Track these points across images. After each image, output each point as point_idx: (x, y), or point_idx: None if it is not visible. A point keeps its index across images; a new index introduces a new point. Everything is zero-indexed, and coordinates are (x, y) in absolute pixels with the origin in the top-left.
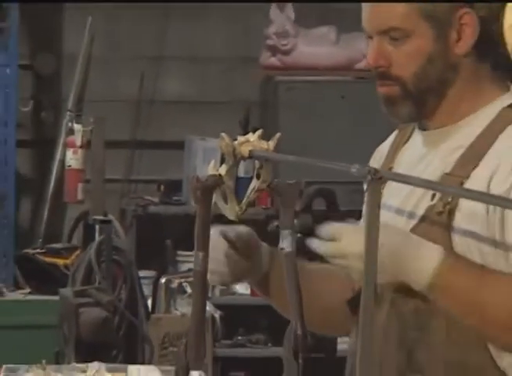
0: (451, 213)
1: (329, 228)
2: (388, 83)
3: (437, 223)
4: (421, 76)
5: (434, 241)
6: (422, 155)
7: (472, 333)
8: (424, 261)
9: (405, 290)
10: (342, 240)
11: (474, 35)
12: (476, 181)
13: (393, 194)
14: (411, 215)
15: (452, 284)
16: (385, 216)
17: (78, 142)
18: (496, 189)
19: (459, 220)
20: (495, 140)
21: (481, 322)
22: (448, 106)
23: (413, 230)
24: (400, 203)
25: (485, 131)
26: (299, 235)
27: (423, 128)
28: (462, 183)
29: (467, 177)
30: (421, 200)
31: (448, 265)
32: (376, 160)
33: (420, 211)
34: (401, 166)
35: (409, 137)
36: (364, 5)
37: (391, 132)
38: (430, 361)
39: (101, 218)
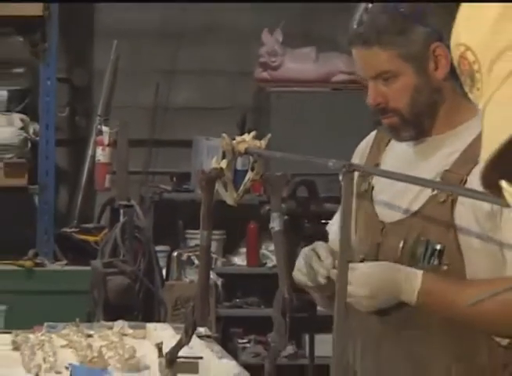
0: (453, 202)
1: None
2: (388, 115)
3: (439, 211)
4: (413, 104)
5: (437, 226)
6: (413, 160)
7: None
8: (410, 284)
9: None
10: (352, 284)
11: (448, 62)
12: (475, 179)
13: (384, 190)
14: (407, 208)
15: (432, 299)
16: (377, 209)
17: (106, 141)
18: None
19: (461, 209)
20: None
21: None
22: (440, 121)
23: (414, 216)
24: (391, 197)
25: (479, 137)
26: (286, 217)
27: (413, 140)
28: (463, 179)
29: (468, 174)
30: (419, 195)
31: (428, 284)
32: (358, 157)
33: (419, 203)
34: (387, 164)
35: (390, 139)
36: (355, 57)
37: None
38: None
39: (125, 203)
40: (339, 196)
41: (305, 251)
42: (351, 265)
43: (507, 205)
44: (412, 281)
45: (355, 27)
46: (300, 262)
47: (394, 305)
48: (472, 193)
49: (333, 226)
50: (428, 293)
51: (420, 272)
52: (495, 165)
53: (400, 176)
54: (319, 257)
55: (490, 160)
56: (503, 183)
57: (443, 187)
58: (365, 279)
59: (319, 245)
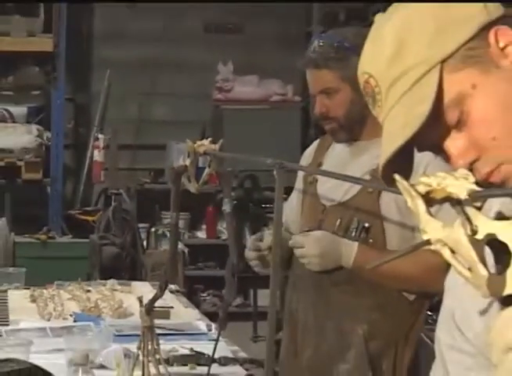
0: (379, 193)
1: (298, 239)
2: (329, 122)
3: (368, 198)
4: (348, 114)
5: (366, 210)
6: (348, 159)
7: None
8: (348, 252)
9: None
10: (306, 246)
11: None
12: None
13: (326, 181)
14: (344, 195)
15: (363, 264)
16: (320, 195)
17: (101, 145)
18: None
19: (386, 198)
20: None
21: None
22: (368, 129)
23: (349, 201)
24: (331, 187)
25: None
26: (235, 202)
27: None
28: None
29: None
30: (353, 186)
31: (361, 252)
32: (305, 160)
33: (353, 192)
34: (328, 164)
35: (330, 144)
36: (307, 77)
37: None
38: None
39: (115, 191)
40: (274, 186)
41: (252, 239)
42: (306, 233)
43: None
44: (350, 250)
45: (310, 54)
46: (250, 246)
47: (334, 267)
48: (387, 187)
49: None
50: (361, 260)
51: (355, 244)
52: (391, 165)
53: (325, 173)
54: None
55: (387, 162)
56: (397, 176)
57: (363, 183)
58: (316, 242)
59: (265, 234)
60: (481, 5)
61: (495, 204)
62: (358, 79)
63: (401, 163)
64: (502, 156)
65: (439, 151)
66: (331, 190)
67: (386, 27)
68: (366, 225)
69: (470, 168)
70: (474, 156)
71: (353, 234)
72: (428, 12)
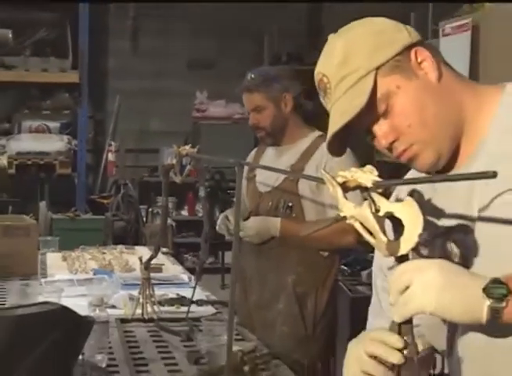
0: (298, 180)
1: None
2: (260, 131)
3: (290, 185)
4: (272, 126)
5: (290, 193)
6: (275, 158)
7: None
8: (275, 224)
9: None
10: (247, 228)
11: (291, 104)
12: (309, 169)
13: (262, 174)
14: (273, 184)
15: (289, 232)
16: (257, 185)
17: (113, 149)
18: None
19: (303, 183)
20: (314, 153)
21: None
22: (287, 136)
23: (277, 188)
24: (265, 178)
25: (308, 148)
26: (208, 189)
27: (274, 146)
28: (303, 169)
29: (303, 168)
30: (280, 176)
31: (284, 224)
32: (249, 159)
33: (280, 181)
34: (263, 162)
35: (265, 149)
36: (243, 99)
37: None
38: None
39: (123, 182)
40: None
41: (222, 215)
42: (244, 222)
43: (323, 182)
44: (275, 224)
45: (245, 83)
46: (220, 222)
47: (268, 238)
48: (303, 175)
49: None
50: (284, 230)
51: (278, 219)
52: (334, 141)
53: (267, 168)
54: (228, 219)
55: (331, 138)
56: (323, 171)
57: (287, 173)
58: (251, 225)
59: (228, 212)
60: (406, 32)
61: (405, 189)
62: (279, 99)
63: (341, 140)
64: (413, 139)
65: (369, 133)
66: (265, 181)
67: (336, 43)
68: (290, 204)
69: (390, 146)
70: (393, 137)
71: (281, 211)
72: (369, 34)
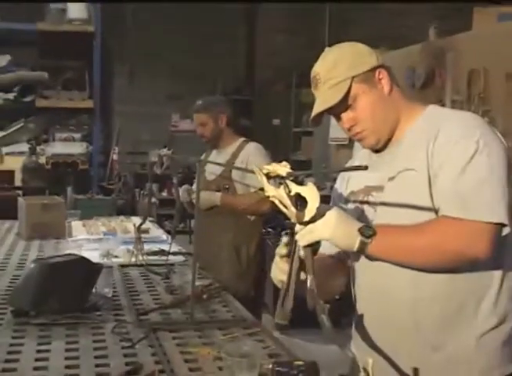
0: (230, 172)
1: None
2: (204, 139)
3: (225, 172)
4: (212, 135)
5: (224, 177)
6: (216, 157)
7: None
8: (216, 196)
9: None
10: (202, 199)
11: (225, 121)
12: (237, 163)
13: (209, 168)
14: (216, 173)
15: (226, 202)
16: (207, 175)
17: (117, 152)
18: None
19: (234, 171)
20: (240, 153)
21: None
22: (222, 142)
23: (218, 176)
24: (212, 171)
25: (236, 149)
26: (179, 178)
27: (214, 149)
28: (234, 163)
29: (234, 162)
30: (219, 169)
31: (222, 197)
32: (203, 158)
33: (220, 171)
34: (210, 159)
35: (211, 152)
36: (194, 118)
37: (203, 151)
38: None
39: (123, 174)
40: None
41: (183, 188)
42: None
43: (249, 171)
44: (216, 197)
45: (195, 106)
46: (182, 194)
47: (213, 206)
48: (237, 167)
49: None
50: (224, 200)
51: (219, 194)
52: (316, 118)
53: (215, 163)
54: (188, 192)
55: (314, 117)
56: (255, 168)
57: (228, 167)
58: (204, 197)
59: (186, 186)
60: (375, 56)
61: (350, 174)
62: (217, 118)
63: (320, 118)
64: (364, 126)
65: (337, 118)
66: (212, 172)
67: (330, 54)
68: (227, 186)
69: (350, 129)
70: (353, 123)
71: (221, 190)
72: (351, 53)
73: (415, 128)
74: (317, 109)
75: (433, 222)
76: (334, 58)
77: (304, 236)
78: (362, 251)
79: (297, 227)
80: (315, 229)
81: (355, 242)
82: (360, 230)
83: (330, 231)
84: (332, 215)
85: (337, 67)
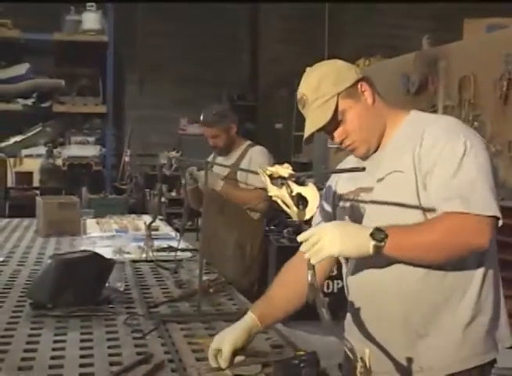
0: (235, 173)
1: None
2: (215, 148)
3: (232, 176)
4: (224, 145)
5: (231, 181)
6: (223, 159)
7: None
8: (218, 183)
9: None
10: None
11: (235, 130)
12: (242, 165)
13: (216, 170)
14: (223, 174)
15: (225, 190)
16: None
17: (128, 154)
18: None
19: (238, 174)
20: (245, 155)
21: None
22: (228, 150)
23: (225, 177)
24: (218, 171)
25: (242, 153)
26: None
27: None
28: (239, 164)
29: (239, 164)
30: (227, 170)
31: (224, 187)
32: (209, 159)
33: (226, 173)
34: (216, 161)
35: (216, 155)
36: (204, 130)
37: (210, 152)
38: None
39: (135, 175)
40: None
41: (187, 172)
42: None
43: (254, 173)
44: (220, 182)
45: (205, 119)
46: (187, 177)
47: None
48: (242, 169)
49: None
50: (225, 188)
51: (222, 182)
52: (309, 137)
53: (222, 165)
54: (191, 176)
55: (307, 137)
56: (259, 170)
57: (234, 168)
58: (210, 179)
59: (190, 169)
60: (353, 70)
61: (342, 176)
62: (228, 129)
63: (312, 137)
64: (355, 138)
65: (328, 133)
66: (218, 173)
67: (312, 74)
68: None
69: (341, 142)
70: (344, 136)
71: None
72: (332, 71)
73: (400, 133)
74: (309, 129)
75: (439, 218)
76: (318, 77)
77: (316, 254)
78: (377, 254)
79: (304, 247)
80: (322, 247)
81: (368, 249)
82: (372, 235)
83: (338, 246)
84: (334, 230)
85: (322, 86)
